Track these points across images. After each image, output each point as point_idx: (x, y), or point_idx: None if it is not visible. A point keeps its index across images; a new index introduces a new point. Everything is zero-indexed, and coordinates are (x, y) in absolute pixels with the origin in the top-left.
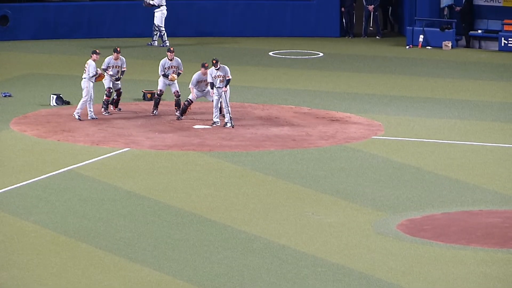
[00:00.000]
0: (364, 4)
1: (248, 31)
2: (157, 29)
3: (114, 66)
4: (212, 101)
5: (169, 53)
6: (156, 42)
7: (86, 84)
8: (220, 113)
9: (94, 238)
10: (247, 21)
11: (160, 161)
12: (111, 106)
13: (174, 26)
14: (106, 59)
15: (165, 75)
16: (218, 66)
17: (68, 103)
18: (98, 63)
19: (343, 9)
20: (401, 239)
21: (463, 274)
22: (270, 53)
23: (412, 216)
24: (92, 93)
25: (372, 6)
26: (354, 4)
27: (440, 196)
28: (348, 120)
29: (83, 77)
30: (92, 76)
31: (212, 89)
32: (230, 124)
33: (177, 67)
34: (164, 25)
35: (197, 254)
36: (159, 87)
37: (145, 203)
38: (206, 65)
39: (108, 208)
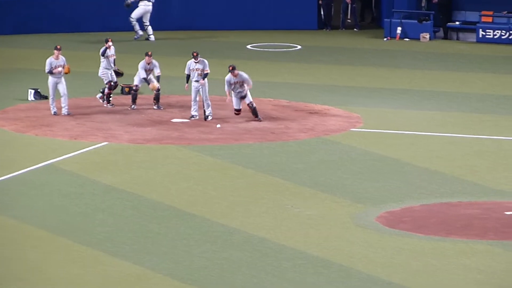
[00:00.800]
0: None
1: (226, 24)
2: (147, 23)
3: (110, 55)
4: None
5: (147, 57)
6: (152, 36)
7: (49, 81)
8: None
9: (73, 233)
10: (225, 14)
11: (139, 155)
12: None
13: (154, 20)
14: (102, 49)
15: (146, 81)
16: (198, 59)
17: (46, 97)
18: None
19: (320, 1)
20: (380, 231)
21: (443, 265)
22: (248, 46)
23: (392, 208)
24: (56, 89)
25: None
26: None
27: (419, 188)
28: (327, 112)
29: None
30: (47, 72)
31: (187, 82)
32: (211, 117)
33: (153, 70)
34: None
35: (177, 248)
36: (135, 82)
37: (124, 197)
38: (231, 68)
39: (87, 202)
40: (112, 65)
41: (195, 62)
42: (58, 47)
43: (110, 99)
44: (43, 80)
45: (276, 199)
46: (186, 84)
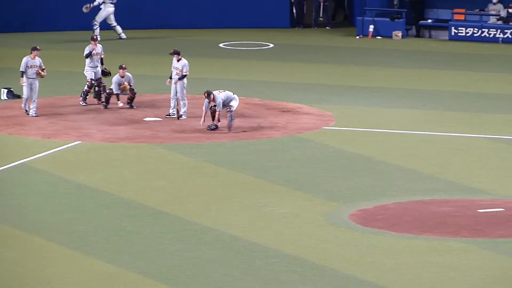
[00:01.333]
0: None
1: (199, 23)
2: (114, 24)
3: (96, 54)
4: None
5: (120, 70)
6: (123, 34)
7: (23, 82)
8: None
9: (47, 231)
10: (198, 13)
11: (112, 153)
12: (96, 99)
13: (127, 19)
14: (87, 48)
15: (119, 93)
16: (178, 58)
17: (19, 97)
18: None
19: (293, 0)
20: (353, 229)
21: (416, 263)
22: (221, 45)
23: (365, 206)
24: (30, 90)
25: None
26: None
27: (393, 185)
28: (299, 110)
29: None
30: (22, 71)
31: (170, 78)
32: (184, 117)
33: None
34: (116, 18)
35: (150, 246)
36: (112, 86)
37: (97, 196)
38: (205, 94)
39: (61, 201)
40: (98, 63)
41: (177, 61)
42: (38, 47)
43: (87, 97)
44: (15, 79)
45: (249, 197)
46: (168, 80)
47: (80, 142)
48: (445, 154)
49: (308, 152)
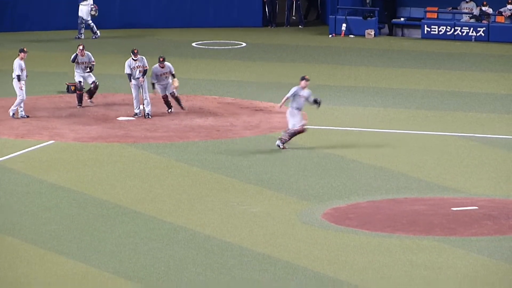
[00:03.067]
0: None
1: (171, 22)
2: (84, 22)
3: (82, 62)
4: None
5: (158, 63)
6: (83, 35)
7: (15, 84)
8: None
9: (19, 231)
10: (170, 12)
11: (85, 153)
12: (86, 96)
13: (98, 18)
14: (73, 56)
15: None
16: (137, 57)
17: None
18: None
19: None
20: (326, 228)
21: (389, 262)
22: (193, 44)
23: (337, 205)
24: (24, 92)
25: None
26: None
27: (365, 184)
28: (272, 110)
29: (12, 77)
30: (18, 75)
31: (131, 81)
32: (149, 115)
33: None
34: (90, 17)
35: (123, 246)
36: (151, 78)
37: (70, 196)
38: (307, 77)
39: (34, 201)
40: (81, 70)
41: (134, 60)
42: (25, 49)
43: (91, 99)
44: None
45: (221, 196)
46: (131, 82)
47: (52, 141)
48: (418, 152)
49: (280, 151)
